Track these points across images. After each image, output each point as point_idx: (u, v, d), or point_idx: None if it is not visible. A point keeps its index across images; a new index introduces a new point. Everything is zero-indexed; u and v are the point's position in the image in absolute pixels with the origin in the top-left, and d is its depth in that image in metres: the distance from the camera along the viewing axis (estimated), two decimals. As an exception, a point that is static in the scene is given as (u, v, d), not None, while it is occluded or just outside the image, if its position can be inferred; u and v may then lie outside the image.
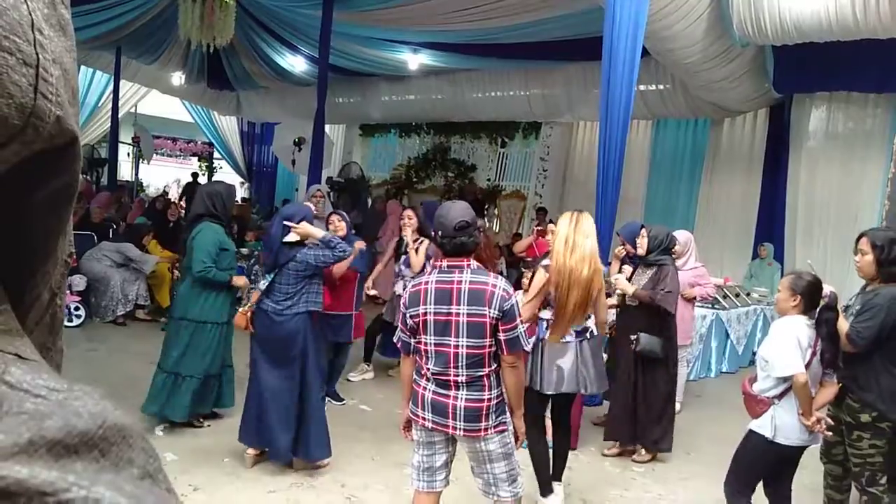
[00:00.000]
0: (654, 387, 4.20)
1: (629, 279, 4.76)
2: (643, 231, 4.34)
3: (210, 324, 4.09)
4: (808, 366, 2.81)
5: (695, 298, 5.29)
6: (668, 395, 4.29)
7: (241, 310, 3.75)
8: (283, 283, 3.60)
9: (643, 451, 4.30)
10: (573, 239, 3.26)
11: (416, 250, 4.89)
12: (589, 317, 3.47)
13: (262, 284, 3.65)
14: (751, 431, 2.95)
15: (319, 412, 3.73)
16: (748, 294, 7.37)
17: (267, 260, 3.70)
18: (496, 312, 2.43)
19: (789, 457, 2.93)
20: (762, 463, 2.94)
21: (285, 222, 3.60)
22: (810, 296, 2.85)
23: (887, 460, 3.07)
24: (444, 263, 2.54)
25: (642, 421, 4.22)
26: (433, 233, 2.60)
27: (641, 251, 4.27)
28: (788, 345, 2.79)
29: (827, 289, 2.89)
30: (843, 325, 3.03)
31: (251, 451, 3.71)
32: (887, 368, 3.00)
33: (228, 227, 4.20)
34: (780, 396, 2.84)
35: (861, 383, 3.04)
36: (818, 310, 2.88)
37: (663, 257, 4.21)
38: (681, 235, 5.27)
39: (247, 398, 3.74)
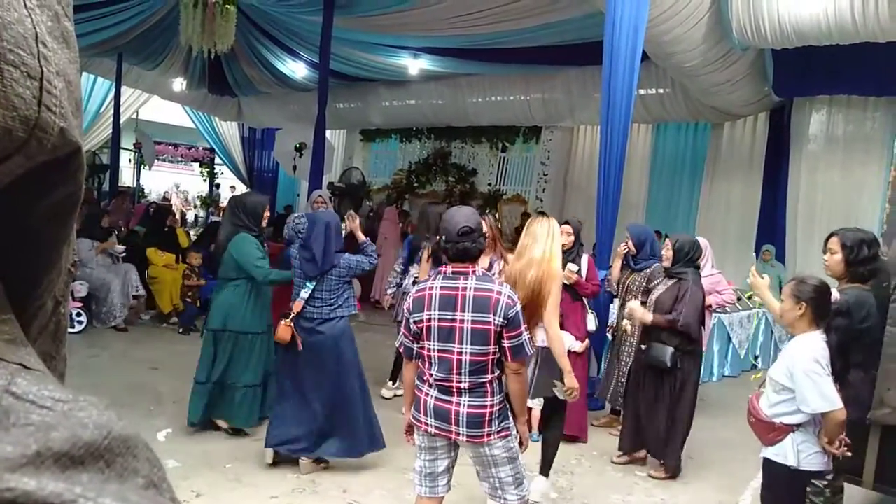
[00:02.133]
0: (659, 399, 4.07)
1: (619, 283, 4.74)
2: (668, 242, 4.20)
3: (251, 334, 4.11)
4: None
5: (710, 306, 5.24)
6: (674, 409, 4.03)
7: (283, 322, 3.69)
8: (326, 289, 3.64)
9: (659, 467, 4.17)
10: (524, 243, 3.24)
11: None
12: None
13: (304, 293, 3.64)
14: (768, 462, 2.69)
15: (369, 409, 3.80)
16: (749, 297, 7.36)
17: (310, 269, 3.64)
18: (501, 320, 2.43)
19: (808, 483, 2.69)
20: (794, 493, 2.65)
21: (344, 225, 3.78)
22: (816, 303, 2.59)
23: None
24: (449, 270, 2.53)
25: (646, 434, 4.14)
26: (437, 237, 2.60)
27: (667, 262, 4.15)
28: (820, 374, 2.50)
29: (835, 293, 2.69)
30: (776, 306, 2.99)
31: (270, 452, 3.74)
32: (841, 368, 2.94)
33: (260, 237, 4.18)
34: (800, 423, 2.62)
35: None
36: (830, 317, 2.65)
37: (686, 270, 4.04)
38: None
39: (283, 405, 3.75)
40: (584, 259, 4.47)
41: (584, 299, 4.49)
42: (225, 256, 4.10)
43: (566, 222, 4.46)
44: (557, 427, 3.72)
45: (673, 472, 4.11)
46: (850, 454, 2.73)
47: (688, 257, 4.07)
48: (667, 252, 4.16)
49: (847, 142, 8.22)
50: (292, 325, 3.66)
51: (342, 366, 3.68)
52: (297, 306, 3.65)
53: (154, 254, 7.36)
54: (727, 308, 6.61)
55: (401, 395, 5.09)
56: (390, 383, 5.26)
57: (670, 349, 3.94)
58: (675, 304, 3.96)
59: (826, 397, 2.51)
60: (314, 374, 3.66)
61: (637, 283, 4.61)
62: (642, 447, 4.24)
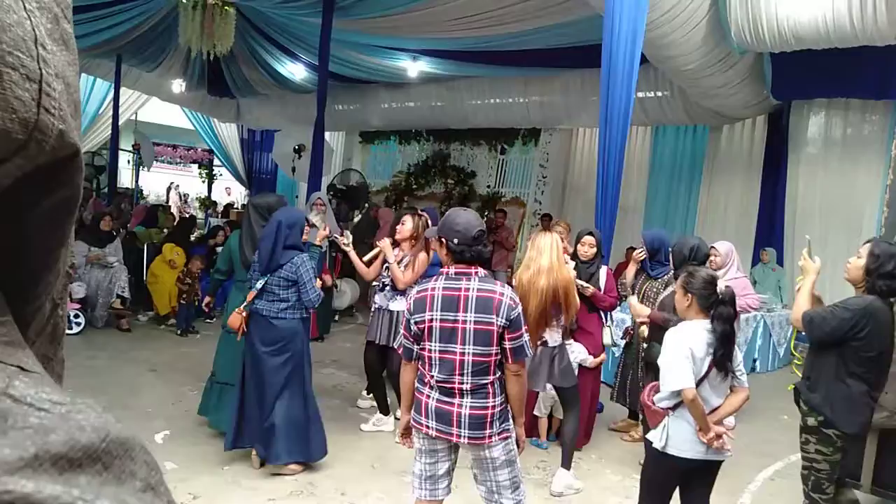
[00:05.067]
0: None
1: (634, 288, 4.75)
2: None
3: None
4: (708, 374, 2.68)
5: None
6: None
7: (236, 310, 3.77)
8: (276, 285, 3.66)
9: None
10: (529, 254, 3.70)
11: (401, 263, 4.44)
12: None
13: (258, 285, 3.67)
14: (647, 441, 2.83)
15: (317, 412, 3.81)
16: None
17: (260, 263, 3.71)
18: (503, 321, 2.44)
19: (693, 472, 2.75)
20: (658, 477, 2.82)
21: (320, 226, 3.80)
22: (701, 293, 2.73)
23: (848, 463, 3.03)
24: (452, 270, 2.53)
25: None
26: (443, 240, 2.57)
27: (673, 264, 4.21)
28: (678, 355, 2.65)
29: (721, 284, 2.77)
30: (805, 304, 3.03)
31: (255, 454, 3.76)
32: (839, 376, 2.93)
33: None
34: (675, 408, 2.72)
35: (811, 386, 3.02)
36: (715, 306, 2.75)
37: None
38: (721, 246, 5.12)
39: (238, 400, 3.78)
40: (603, 270, 4.45)
41: (601, 312, 4.48)
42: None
43: (590, 233, 4.44)
44: (573, 421, 3.87)
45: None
46: (729, 451, 2.74)
47: (686, 259, 4.04)
48: (671, 255, 4.24)
49: (845, 145, 8.24)
50: (243, 313, 3.70)
51: (291, 365, 3.68)
52: (249, 296, 3.70)
53: (170, 249, 7.34)
54: (750, 311, 6.56)
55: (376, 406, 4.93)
56: (364, 393, 5.04)
57: None
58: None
59: (676, 376, 2.63)
60: (266, 370, 3.68)
61: (655, 290, 4.51)
62: None
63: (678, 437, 2.69)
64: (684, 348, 2.65)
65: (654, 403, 2.80)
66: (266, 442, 3.66)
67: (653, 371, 4.08)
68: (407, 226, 4.38)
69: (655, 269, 4.61)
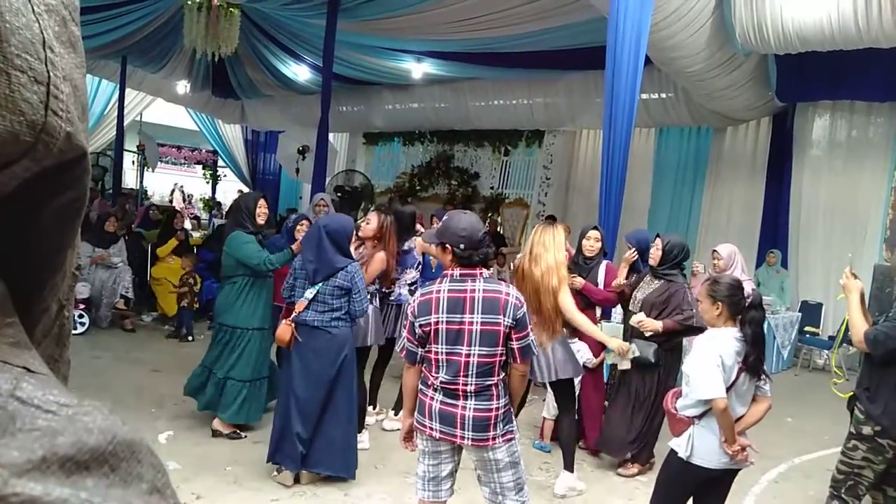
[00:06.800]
0: (642, 394, 4.07)
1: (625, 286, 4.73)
2: (658, 241, 4.17)
3: (241, 329, 4.17)
4: (735, 382, 2.63)
5: None
6: (654, 405, 4.04)
7: (284, 322, 3.60)
8: (329, 294, 3.51)
9: (629, 465, 4.19)
10: (535, 251, 3.65)
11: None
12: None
13: (309, 293, 3.52)
14: (670, 450, 2.79)
15: (353, 428, 3.69)
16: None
17: (311, 271, 3.55)
18: (510, 321, 2.45)
19: (711, 479, 2.72)
20: (679, 484, 2.79)
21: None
22: (731, 300, 2.68)
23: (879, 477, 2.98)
24: (457, 272, 2.53)
25: (615, 432, 4.11)
26: (448, 246, 2.54)
27: (653, 262, 4.14)
28: (709, 364, 2.59)
29: (748, 287, 2.72)
30: (861, 323, 3.00)
31: (288, 473, 3.60)
32: None
33: (257, 234, 4.17)
34: (701, 416, 2.68)
35: (872, 396, 2.98)
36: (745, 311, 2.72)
37: (674, 272, 4.05)
38: (724, 249, 5.08)
39: (281, 412, 3.63)
40: (603, 265, 4.42)
41: (598, 308, 4.45)
42: (223, 256, 4.24)
43: (595, 228, 4.41)
44: (569, 421, 3.86)
45: (650, 466, 4.14)
46: (752, 463, 2.72)
47: (675, 259, 4.07)
48: (655, 252, 4.13)
49: (850, 147, 8.22)
50: (292, 325, 3.55)
51: (340, 377, 3.56)
52: (299, 307, 3.55)
53: (163, 251, 7.40)
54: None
55: (380, 419, 4.81)
56: (371, 408, 4.81)
57: (654, 345, 3.94)
58: (680, 307, 3.92)
59: (708, 386, 2.58)
60: (314, 382, 3.54)
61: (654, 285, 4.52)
62: (605, 445, 4.24)
63: (703, 448, 2.66)
64: (715, 356, 2.59)
65: (677, 411, 2.76)
66: (307, 450, 3.54)
67: (642, 369, 4.04)
68: (371, 224, 4.19)
69: (645, 267, 4.59)
